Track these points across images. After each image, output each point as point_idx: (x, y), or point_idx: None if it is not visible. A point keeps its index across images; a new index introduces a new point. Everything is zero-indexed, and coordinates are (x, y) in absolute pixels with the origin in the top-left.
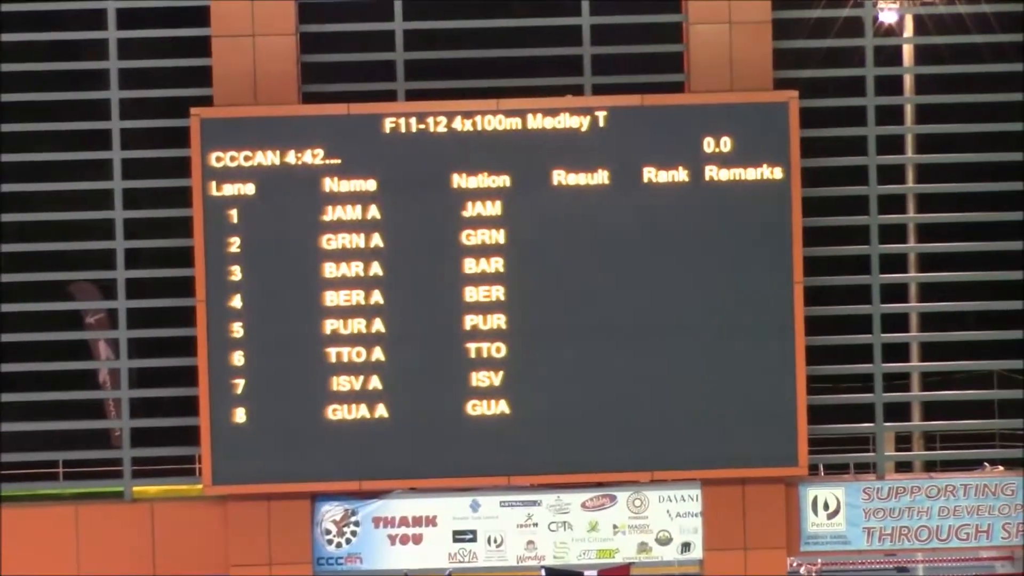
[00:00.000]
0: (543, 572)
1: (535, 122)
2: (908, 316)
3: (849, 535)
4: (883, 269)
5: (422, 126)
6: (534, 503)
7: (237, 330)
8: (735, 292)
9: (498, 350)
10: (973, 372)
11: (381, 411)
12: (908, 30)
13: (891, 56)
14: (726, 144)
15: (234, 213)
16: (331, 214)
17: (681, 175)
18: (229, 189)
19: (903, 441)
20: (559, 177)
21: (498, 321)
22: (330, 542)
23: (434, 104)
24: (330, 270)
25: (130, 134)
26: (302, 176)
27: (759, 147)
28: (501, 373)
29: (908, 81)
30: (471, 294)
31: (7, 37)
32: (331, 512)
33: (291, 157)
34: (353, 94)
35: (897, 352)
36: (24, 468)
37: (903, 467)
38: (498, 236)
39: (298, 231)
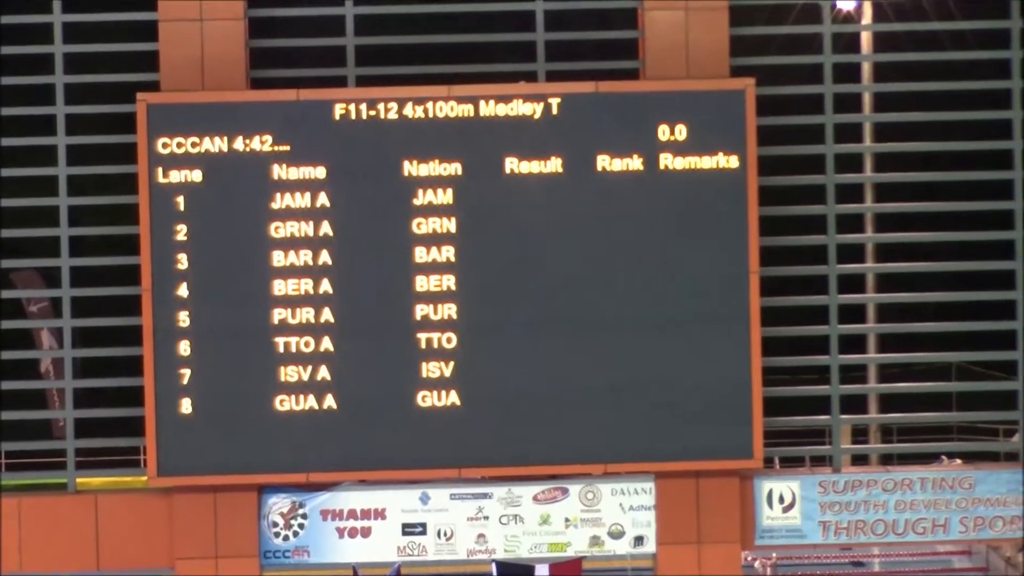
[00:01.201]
0: (494, 566)
1: (487, 109)
2: (865, 307)
3: (804, 529)
4: (840, 259)
5: (373, 112)
6: (485, 496)
7: (183, 319)
8: (690, 282)
9: (449, 340)
10: (931, 364)
11: (330, 402)
12: (867, 17)
13: (849, 43)
14: (681, 132)
15: (181, 200)
16: (280, 201)
17: (636, 163)
18: (176, 176)
19: (860, 434)
20: (512, 165)
21: (449, 311)
22: (277, 535)
23: (385, 90)
24: (278, 258)
25: (75, 120)
26: (250, 163)
27: (715, 135)
28: (452, 364)
29: (866, 69)
30: (422, 283)
31: None
32: (278, 504)
33: (239, 143)
34: (303, 80)
35: (854, 343)
36: None
37: (859, 460)
38: (449, 225)
39: (246, 219)
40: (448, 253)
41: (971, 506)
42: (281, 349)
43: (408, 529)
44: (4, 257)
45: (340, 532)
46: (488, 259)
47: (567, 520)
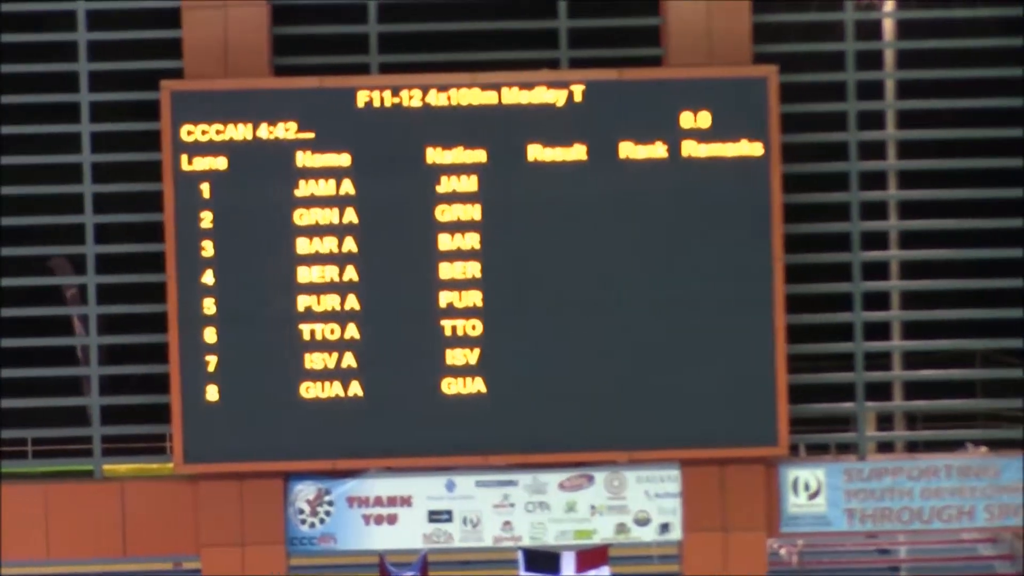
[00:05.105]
0: (520, 553)
1: (510, 96)
2: (889, 294)
3: (830, 516)
4: (864, 247)
5: (396, 100)
6: (511, 483)
7: (209, 306)
8: (714, 270)
9: (474, 327)
10: (956, 351)
11: (355, 389)
12: (889, 4)
13: (872, 31)
14: (704, 119)
15: (206, 187)
16: (304, 188)
17: (659, 151)
18: (200, 163)
19: (885, 421)
20: (535, 152)
21: (474, 298)
22: (303, 522)
23: (408, 77)
24: (303, 246)
25: (99, 107)
26: (274, 150)
27: (738, 122)
28: (477, 351)
29: (889, 56)
30: (446, 271)
31: None
32: (304, 491)
33: (263, 131)
34: (326, 67)
35: (879, 331)
36: None
37: (885, 448)
38: (473, 212)
39: (271, 206)
40: (472, 240)
41: (996, 494)
42: (307, 336)
43: (434, 516)
44: (34, 244)
45: (366, 519)
46: (512, 246)
47: (593, 507)
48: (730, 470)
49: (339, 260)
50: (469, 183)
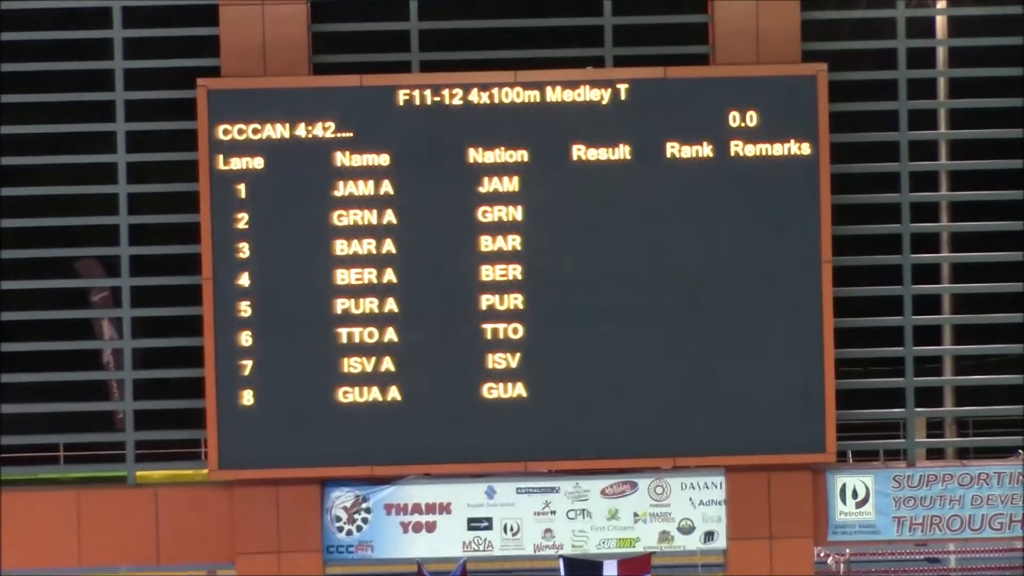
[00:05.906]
0: (561, 562)
1: (554, 95)
2: (940, 298)
3: (879, 524)
4: (914, 248)
5: (437, 98)
6: (552, 490)
7: (245, 309)
8: (761, 272)
9: (515, 331)
10: (1007, 356)
11: (394, 394)
12: (941, 1)
13: (924, 28)
14: (752, 119)
15: (242, 188)
16: (342, 189)
17: (705, 150)
18: (237, 163)
19: (935, 427)
20: (579, 152)
21: (515, 301)
22: (340, 529)
23: (450, 76)
24: (341, 247)
25: (135, 106)
26: (312, 150)
27: (786, 122)
28: (518, 355)
29: (941, 54)
30: (487, 273)
31: (8, 5)
32: (341, 498)
33: (301, 130)
34: (366, 65)
35: (929, 335)
36: (24, 451)
37: (934, 454)
38: (515, 213)
39: (308, 207)
40: (514, 242)
41: None
42: (344, 340)
43: (474, 524)
44: (64, 245)
45: (404, 527)
46: (555, 248)
47: (636, 515)
48: (776, 477)
49: (378, 262)
50: (511, 184)
